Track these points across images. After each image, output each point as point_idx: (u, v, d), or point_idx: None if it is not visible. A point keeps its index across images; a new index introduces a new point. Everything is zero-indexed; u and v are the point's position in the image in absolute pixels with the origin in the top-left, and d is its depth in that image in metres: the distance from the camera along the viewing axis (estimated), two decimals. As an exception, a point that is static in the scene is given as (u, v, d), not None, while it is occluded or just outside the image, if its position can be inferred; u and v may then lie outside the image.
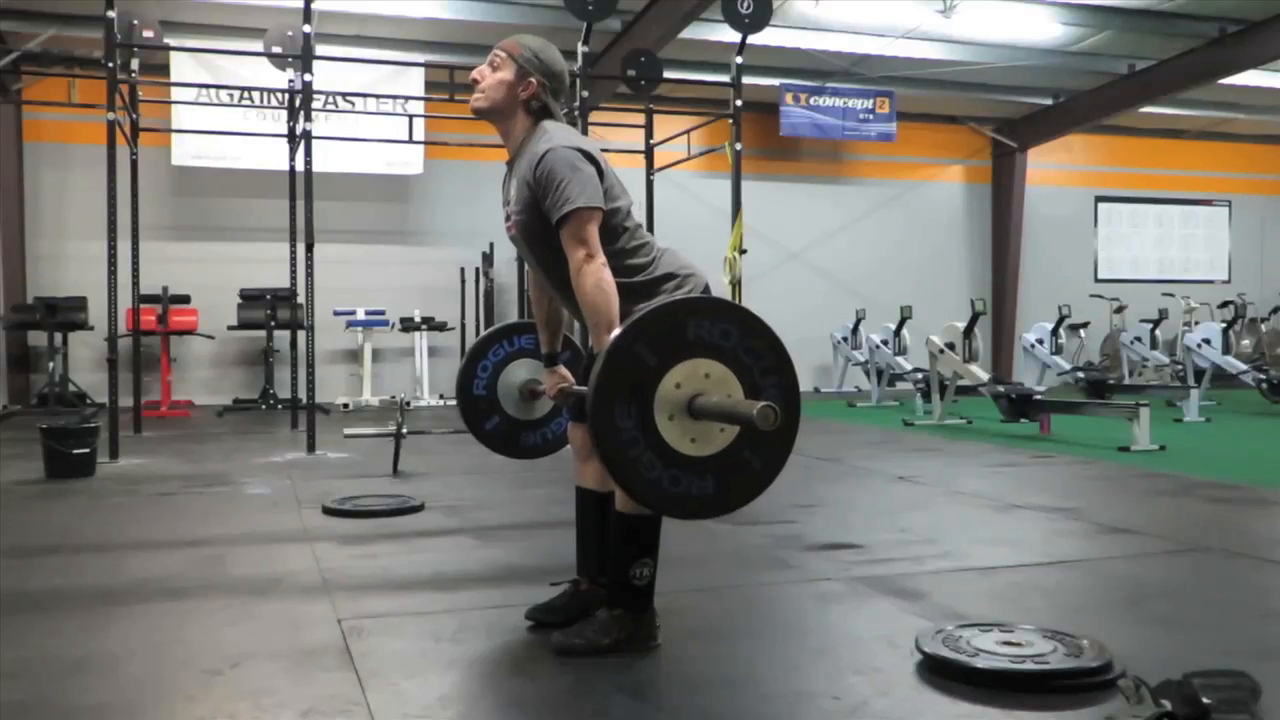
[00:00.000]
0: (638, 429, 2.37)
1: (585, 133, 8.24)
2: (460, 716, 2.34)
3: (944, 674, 2.53)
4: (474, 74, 2.79)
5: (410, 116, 9.82)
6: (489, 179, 12.52)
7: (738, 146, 8.47)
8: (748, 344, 2.46)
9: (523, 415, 3.45)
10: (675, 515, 2.55)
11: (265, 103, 10.35)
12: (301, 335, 7.91)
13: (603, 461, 2.41)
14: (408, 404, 9.05)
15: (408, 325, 11.50)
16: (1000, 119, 14.62)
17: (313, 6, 7.56)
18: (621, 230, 2.75)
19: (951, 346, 9.40)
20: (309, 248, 7.38)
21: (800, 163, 13.82)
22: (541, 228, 2.69)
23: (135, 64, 8.71)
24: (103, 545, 4.28)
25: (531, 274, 2.98)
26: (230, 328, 11.04)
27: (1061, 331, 12.06)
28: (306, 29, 7.47)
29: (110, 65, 6.97)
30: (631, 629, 2.73)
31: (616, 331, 2.42)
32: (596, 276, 2.57)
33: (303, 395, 7.85)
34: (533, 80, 2.75)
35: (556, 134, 2.70)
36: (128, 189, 8.18)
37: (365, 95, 10.50)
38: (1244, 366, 10.60)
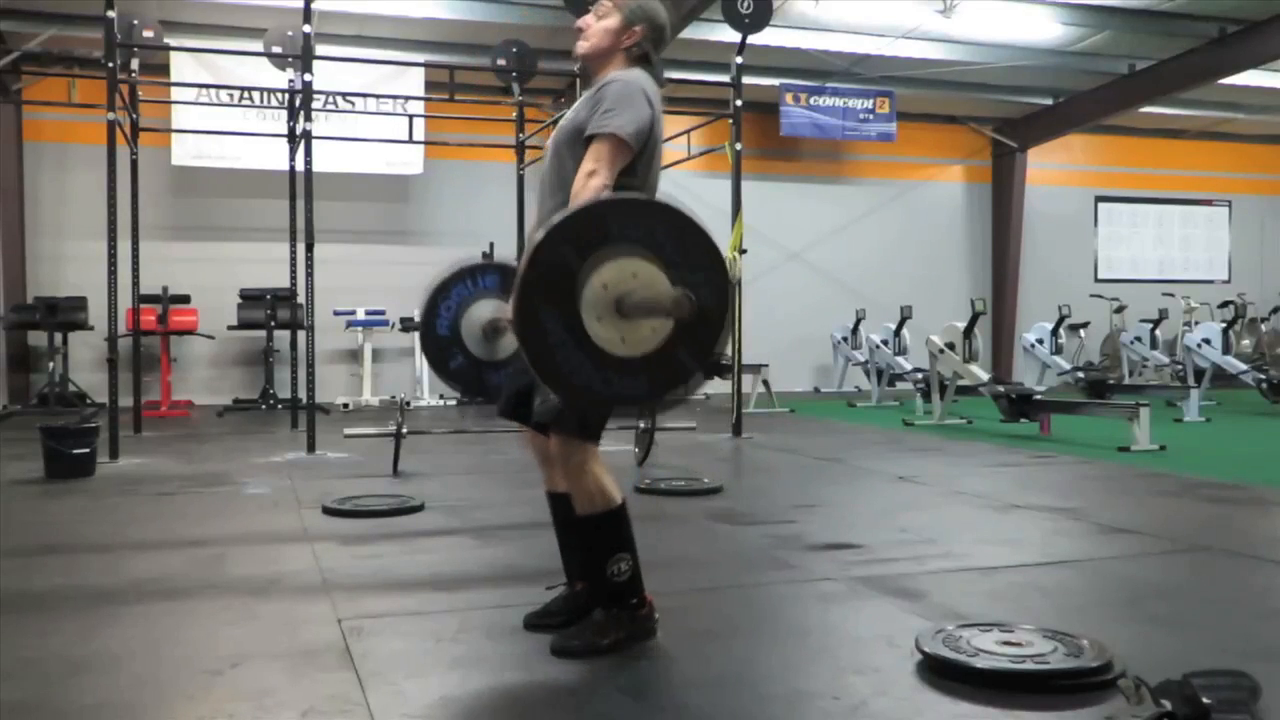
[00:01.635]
0: (566, 331, 2.35)
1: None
2: (460, 717, 2.34)
3: (944, 674, 2.53)
4: (579, 21, 2.89)
5: (410, 116, 9.82)
6: (489, 179, 12.56)
7: (738, 146, 8.47)
8: (676, 241, 2.43)
9: (486, 355, 3.37)
10: (609, 414, 2.59)
11: (265, 103, 10.34)
12: (301, 335, 7.91)
13: (532, 366, 2.40)
14: (408, 404, 9.05)
15: (408, 325, 11.49)
16: (1000, 119, 14.62)
17: (313, 6, 7.56)
18: (630, 190, 2.74)
19: (951, 346, 9.40)
20: (309, 248, 7.37)
21: (800, 163, 13.82)
22: (573, 137, 2.73)
23: (135, 64, 8.71)
24: (103, 545, 4.28)
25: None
26: (230, 328, 11.04)
27: (1061, 331, 12.07)
28: (306, 29, 7.47)
29: (110, 65, 6.97)
30: (629, 627, 2.73)
31: (539, 233, 2.40)
32: (596, 193, 2.56)
33: (303, 395, 7.85)
34: (637, 28, 2.85)
35: (633, 74, 2.78)
36: (128, 189, 8.18)
37: (365, 95, 10.50)
38: (1244, 366, 10.60)
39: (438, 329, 3.34)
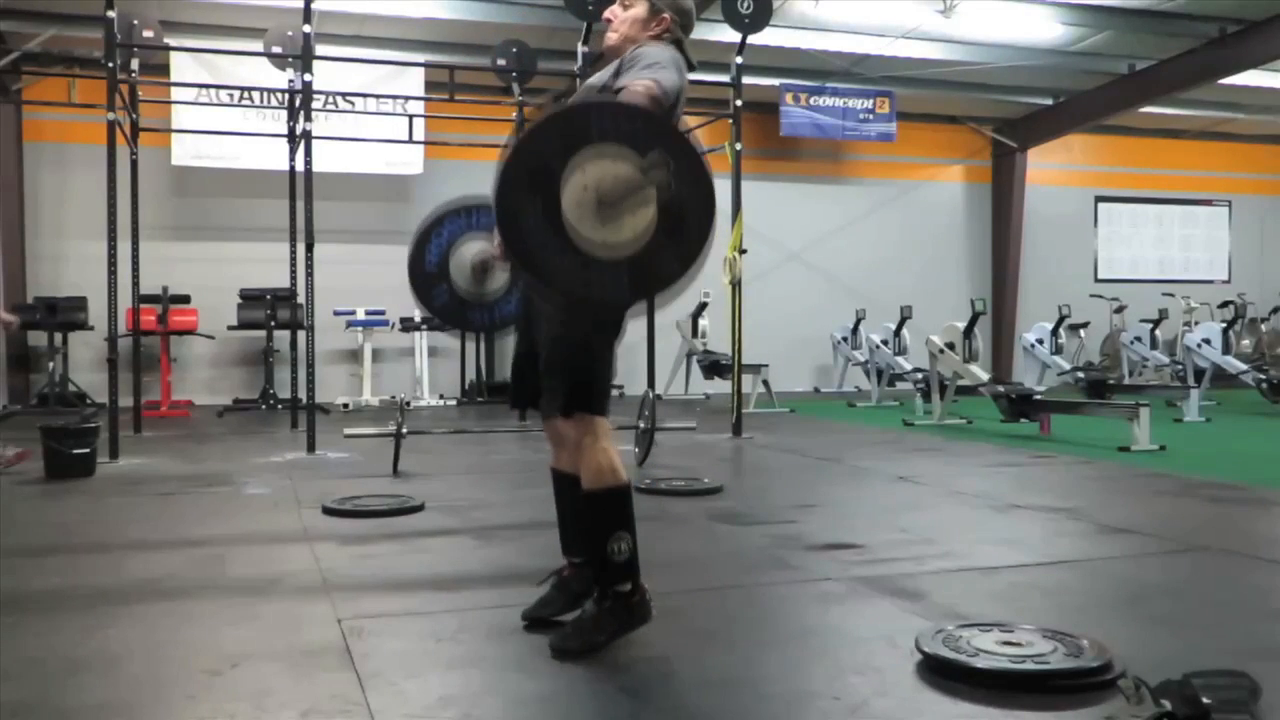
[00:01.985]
0: (548, 231, 2.35)
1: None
2: (460, 716, 2.33)
3: (944, 674, 2.53)
4: (606, 14, 2.89)
5: (410, 116, 9.82)
6: (489, 179, 12.62)
7: (738, 146, 8.46)
8: (656, 138, 2.41)
9: (474, 293, 3.38)
10: (593, 308, 2.58)
11: (265, 103, 10.34)
12: (301, 335, 7.91)
13: (511, 254, 2.41)
14: (408, 404, 9.05)
15: (408, 325, 11.50)
16: (1000, 119, 14.62)
17: (313, 6, 7.56)
18: None
19: (951, 346, 9.40)
20: (309, 248, 7.38)
21: (800, 163, 13.82)
22: (601, 91, 2.73)
23: (135, 64, 8.71)
24: (103, 545, 4.28)
25: None
26: (230, 328, 11.04)
27: (1061, 331, 12.07)
28: (306, 29, 7.47)
29: (110, 65, 6.97)
30: (623, 618, 2.73)
31: (519, 136, 2.42)
32: (642, 93, 2.54)
33: (303, 395, 7.85)
34: (666, 16, 2.84)
35: (666, 47, 2.78)
36: (128, 189, 8.18)
37: (365, 95, 10.50)
38: (1244, 366, 10.60)
39: (426, 264, 3.33)
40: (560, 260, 2.36)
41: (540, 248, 2.34)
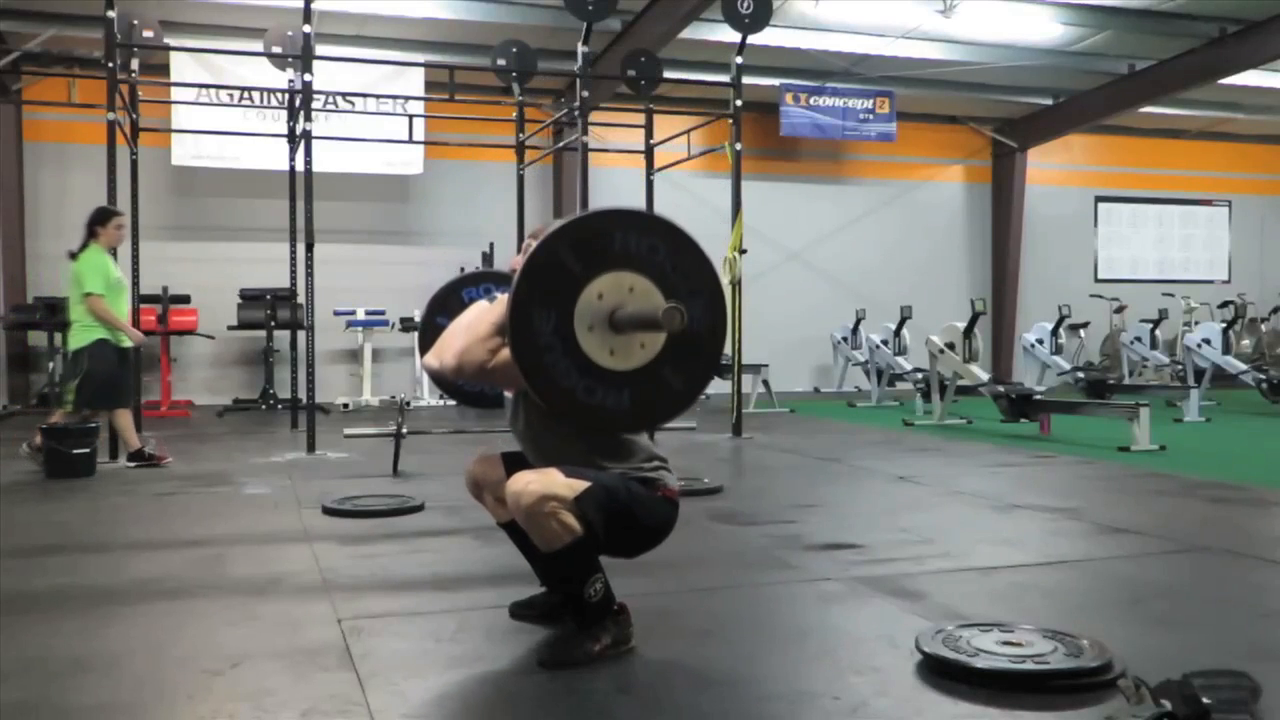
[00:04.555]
0: (555, 335, 2.37)
1: (585, 132, 8.24)
2: (460, 716, 2.33)
3: (944, 674, 2.53)
4: None
5: (410, 116, 9.81)
6: (489, 179, 12.59)
7: (738, 146, 8.46)
8: (675, 261, 2.45)
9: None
10: (587, 426, 2.54)
11: (265, 103, 10.34)
12: (301, 335, 7.91)
13: (518, 364, 2.40)
14: (408, 404, 9.05)
15: (408, 325, 11.49)
16: (1000, 119, 14.62)
17: (313, 6, 7.56)
18: None
19: (951, 346, 9.40)
20: (309, 248, 7.38)
21: (800, 163, 13.81)
22: None
23: (135, 64, 8.70)
24: (103, 545, 4.29)
25: None
26: (230, 328, 11.04)
27: (1061, 331, 12.07)
28: (306, 29, 7.47)
29: (110, 65, 6.97)
30: (615, 631, 2.72)
31: (542, 236, 2.42)
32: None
33: (303, 395, 7.85)
34: None
35: None
36: (128, 189, 8.17)
37: (365, 95, 10.50)
38: (1244, 366, 10.60)
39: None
40: (566, 362, 2.38)
41: (548, 348, 2.36)
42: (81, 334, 6.26)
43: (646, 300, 2.40)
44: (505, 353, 2.54)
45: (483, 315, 2.66)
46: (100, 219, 6.48)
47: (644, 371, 2.45)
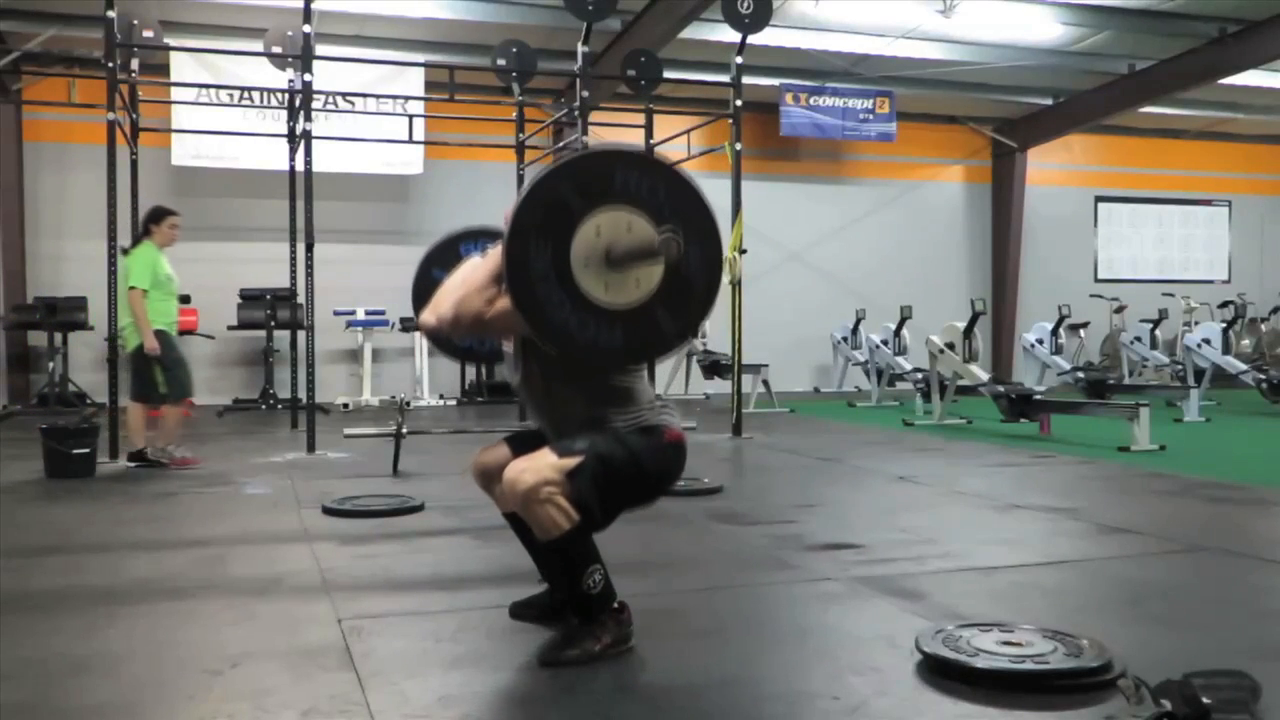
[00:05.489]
0: (551, 265, 2.37)
1: (585, 132, 8.24)
2: (460, 716, 2.33)
3: (944, 674, 2.53)
4: None
5: (410, 116, 9.81)
6: (489, 179, 12.58)
7: (738, 146, 8.46)
8: (675, 203, 2.45)
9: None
10: (579, 360, 2.52)
11: (265, 103, 10.34)
12: (301, 335, 7.91)
13: (512, 297, 2.40)
14: (408, 404, 9.04)
15: (408, 325, 11.49)
16: (1000, 119, 14.62)
17: (313, 6, 7.56)
18: None
19: (951, 346, 9.40)
20: (309, 248, 7.38)
21: (800, 163, 13.81)
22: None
23: (135, 64, 8.71)
24: (103, 545, 4.29)
25: None
26: (230, 328, 11.04)
27: (1061, 331, 12.06)
28: (306, 29, 7.47)
29: (110, 65, 6.97)
30: (616, 630, 2.73)
31: (544, 169, 2.42)
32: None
33: (303, 395, 7.85)
34: None
35: None
36: (128, 189, 8.18)
37: (365, 95, 10.50)
38: (1244, 366, 10.59)
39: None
40: (560, 295, 2.37)
41: (542, 279, 2.35)
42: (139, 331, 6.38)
43: (643, 237, 2.41)
44: (502, 302, 2.54)
45: (479, 266, 2.66)
46: (155, 217, 6.66)
47: (638, 310, 2.45)
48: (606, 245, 2.39)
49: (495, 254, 2.57)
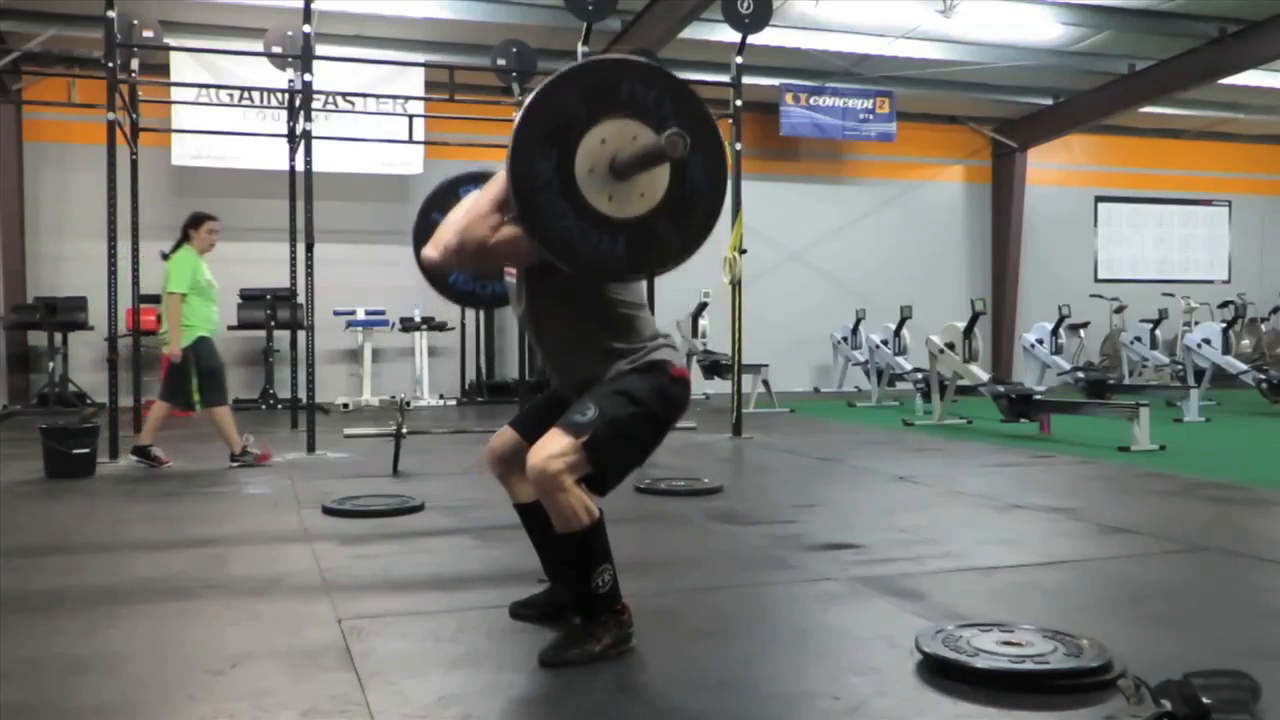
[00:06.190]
0: (555, 174, 2.35)
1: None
2: (461, 716, 2.33)
3: (944, 674, 2.53)
4: None
5: (410, 116, 9.81)
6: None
7: (738, 146, 8.46)
8: (680, 116, 2.43)
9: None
10: (581, 269, 2.49)
11: (265, 103, 10.33)
12: (301, 335, 7.91)
13: (516, 202, 2.38)
14: (408, 404, 9.05)
15: (408, 325, 11.50)
16: (1000, 119, 14.62)
17: (313, 6, 7.56)
18: None
19: (951, 346, 9.40)
20: (309, 248, 7.38)
21: (800, 163, 13.81)
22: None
23: (135, 64, 8.70)
24: (103, 545, 4.29)
25: None
26: (230, 328, 11.02)
27: (1061, 331, 12.06)
28: (306, 29, 7.47)
29: (110, 65, 6.97)
30: (617, 631, 2.73)
31: (550, 78, 2.41)
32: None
33: (303, 395, 7.85)
34: None
35: None
36: (128, 189, 8.18)
37: (365, 95, 10.50)
38: (1244, 366, 10.59)
39: (431, 219, 3.16)
40: (563, 204, 2.36)
41: (545, 187, 2.34)
42: (184, 335, 6.43)
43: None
44: (507, 229, 2.52)
45: (482, 194, 2.62)
46: (194, 222, 6.79)
47: (642, 221, 2.44)
48: (612, 154, 2.38)
49: (499, 180, 2.53)
